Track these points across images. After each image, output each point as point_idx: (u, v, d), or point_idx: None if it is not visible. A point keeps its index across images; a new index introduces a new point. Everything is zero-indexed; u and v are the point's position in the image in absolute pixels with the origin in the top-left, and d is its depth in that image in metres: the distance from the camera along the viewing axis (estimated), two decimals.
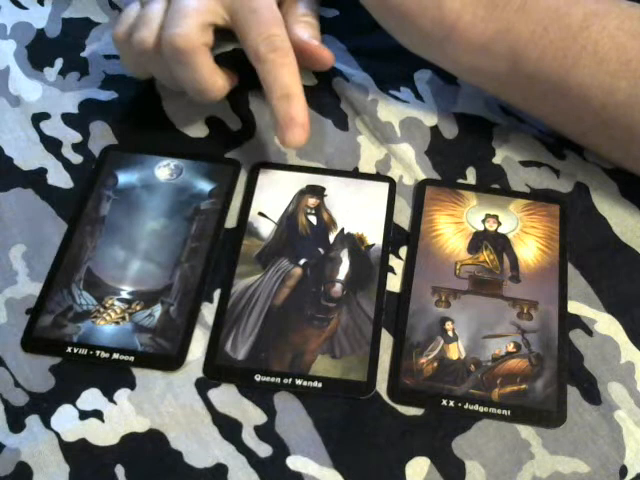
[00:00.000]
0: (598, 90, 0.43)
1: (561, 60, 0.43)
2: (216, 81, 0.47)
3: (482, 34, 0.45)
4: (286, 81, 0.46)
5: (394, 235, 0.47)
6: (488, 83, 0.48)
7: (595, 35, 0.43)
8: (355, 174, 0.50)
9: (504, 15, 0.44)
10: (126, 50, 0.49)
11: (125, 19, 0.49)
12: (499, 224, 0.47)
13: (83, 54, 0.56)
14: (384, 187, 0.49)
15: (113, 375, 0.42)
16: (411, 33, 0.48)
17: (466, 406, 0.41)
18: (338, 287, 0.45)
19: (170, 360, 0.42)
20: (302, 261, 0.46)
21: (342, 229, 0.47)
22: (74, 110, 0.53)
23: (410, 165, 0.50)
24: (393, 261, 0.46)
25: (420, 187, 0.49)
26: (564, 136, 0.49)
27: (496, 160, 0.50)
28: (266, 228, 0.47)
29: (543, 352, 0.42)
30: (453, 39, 0.46)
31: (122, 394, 0.41)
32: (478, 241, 0.46)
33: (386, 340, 0.43)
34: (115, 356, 0.42)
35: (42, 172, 0.50)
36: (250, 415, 0.41)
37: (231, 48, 0.50)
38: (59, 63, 0.56)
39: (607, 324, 0.44)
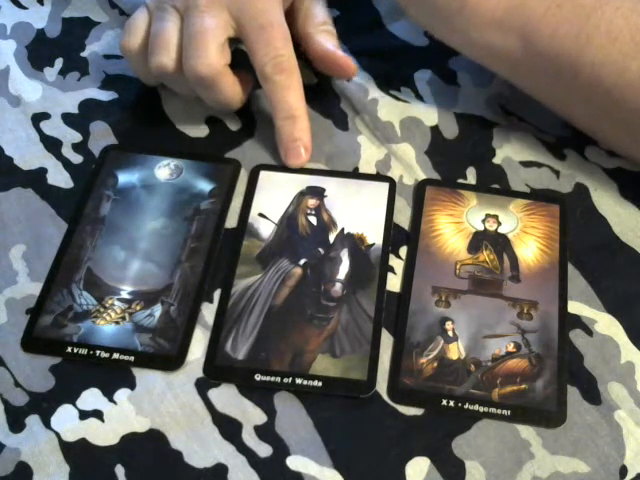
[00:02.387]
0: (610, 69, 0.43)
1: (574, 38, 0.43)
2: (237, 93, 0.49)
3: (494, 9, 0.45)
4: (291, 103, 0.48)
5: (394, 235, 0.47)
6: (498, 62, 0.48)
7: (609, 15, 0.43)
8: (355, 174, 0.50)
9: None
10: (139, 63, 0.50)
11: (134, 29, 0.49)
12: (499, 224, 0.47)
13: (83, 54, 0.56)
14: (384, 187, 0.49)
15: (113, 375, 0.42)
16: (422, 5, 0.47)
17: (466, 406, 0.41)
18: (338, 287, 0.45)
19: (170, 360, 0.42)
20: (302, 261, 0.46)
21: (342, 229, 0.47)
22: (74, 110, 0.53)
23: (410, 165, 0.50)
24: (393, 261, 0.46)
25: (420, 187, 0.49)
26: (570, 123, 0.49)
27: (496, 160, 0.50)
28: (266, 229, 0.47)
29: (543, 352, 0.42)
30: (464, 13, 0.45)
31: (122, 394, 0.41)
32: (478, 241, 0.46)
33: (386, 340, 0.43)
34: (115, 356, 0.42)
35: (42, 172, 0.50)
36: (250, 415, 0.41)
37: (232, 48, 0.50)
38: (59, 63, 0.56)
39: (607, 324, 0.44)
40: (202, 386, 0.42)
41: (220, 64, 0.47)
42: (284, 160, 0.49)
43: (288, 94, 0.48)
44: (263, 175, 0.50)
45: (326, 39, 0.51)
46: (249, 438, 0.40)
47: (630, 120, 0.45)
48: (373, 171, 0.50)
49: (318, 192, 0.49)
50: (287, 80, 0.48)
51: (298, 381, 0.41)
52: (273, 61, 0.47)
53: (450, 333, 0.43)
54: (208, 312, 0.44)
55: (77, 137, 0.52)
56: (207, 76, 0.47)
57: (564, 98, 0.47)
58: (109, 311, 0.44)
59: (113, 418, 0.41)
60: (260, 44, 0.47)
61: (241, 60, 0.49)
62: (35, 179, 0.50)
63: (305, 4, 0.52)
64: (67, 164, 0.51)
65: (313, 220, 0.47)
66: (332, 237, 0.47)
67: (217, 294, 0.45)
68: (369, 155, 0.51)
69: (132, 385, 0.42)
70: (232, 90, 0.49)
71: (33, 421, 0.41)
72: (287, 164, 0.49)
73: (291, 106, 0.48)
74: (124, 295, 0.44)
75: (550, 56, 0.44)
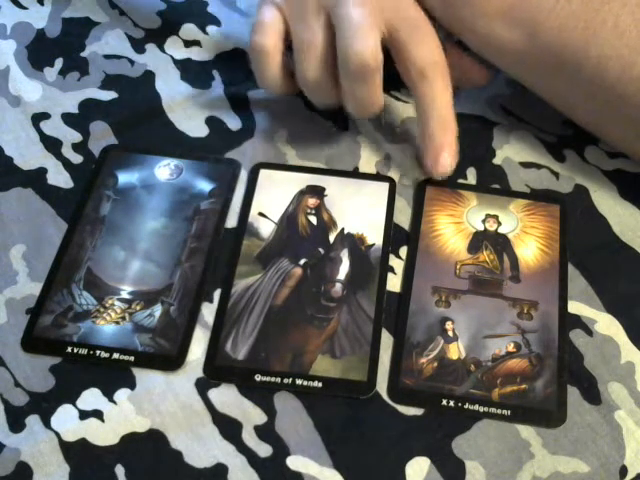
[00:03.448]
0: (615, 63, 0.43)
1: (581, 31, 0.43)
2: (382, 97, 0.47)
3: (502, 1, 0.45)
4: (447, 106, 0.46)
5: (394, 235, 0.47)
6: (503, 54, 0.47)
7: (617, 10, 0.43)
8: (355, 174, 0.50)
9: None
10: (272, 64, 0.47)
11: (269, 29, 0.46)
12: (499, 224, 0.47)
13: (83, 54, 0.56)
14: (384, 187, 0.49)
15: (113, 375, 0.42)
16: None
17: (466, 406, 0.41)
18: (338, 287, 0.45)
19: (170, 360, 0.42)
20: (302, 261, 0.46)
21: (342, 229, 0.47)
22: (74, 110, 0.53)
23: (410, 165, 0.50)
24: (393, 261, 0.46)
25: (420, 187, 0.49)
26: (573, 119, 0.49)
27: (496, 161, 0.50)
28: (266, 228, 0.47)
29: (543, 352, 0.42)
30: (471, 3, 0.45)
31: (122, 394, 0.41)
32: (478, 241, 0.46)
33: (386, 340, 0.43)
34: (115, 356, 0.42)
35: (42, 172, 0.50)
36: (250, 415, 0.41)
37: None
38: (59, 63, 0.56)
39: (607, 324, 0.44)
40: (202, 386, 0.42)
41: (380, 55, 0.44)
42: (431, 169, 0.47)
43: (446, 96, 0.46)
44: (263, 174, 0.50)
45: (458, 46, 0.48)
46: (249, 438, 0.40)
47: (634, 116, 0.45)
48: (373, 171, 0.50)
49: (318, 191, 0.49)
50: (445, 81, 0.46)
51: (298, 382, 0.41)
52: (432, 62, 0.45)
53: (450, 333, 0.43)
54: (208, 312, 0.44)
55: (77, 137, 0.52)
56: (372, 65, 0.44)
57: (568, 93, 0.47)
58: (109, 311, 0.44)
59: (113, 418, 0.41)
60: (418, 43, 0.45)
61: None
62: (35, 179, 0.50)
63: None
64: (67, 164, 0.51)
65: (313, 220, 0.47)
66: (332, 237, 0.47)
67: (217, 294, 0.45)
68: (369, 155, 0.51)
69: (132, 385, 0.42)
70: (381, 90, 0.46)
71: (33, 421, 0.41)
72: (435, 173, 0.47)
73: (448, 109, 0.46)
74: (124, 295, 0.44)
75: (556, 49, 0.44)
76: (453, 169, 0.48)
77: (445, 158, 0.47)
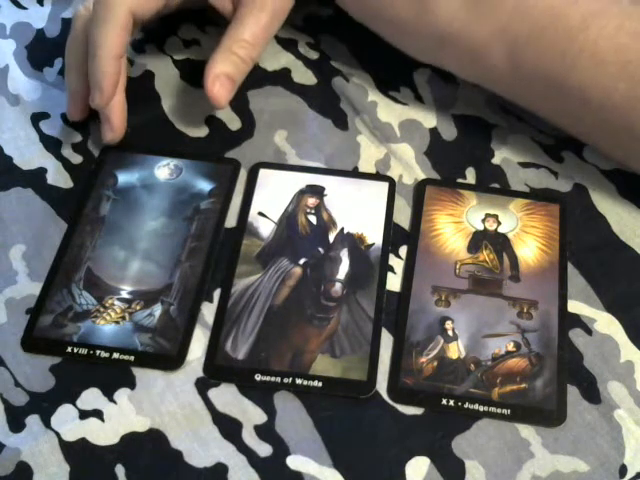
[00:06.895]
0: (597, 91, 0.43)
1: (560, 61, 0.43)
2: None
3: (477, 36, 0.45)
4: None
5: (394, 235, 0.47)
6: (488, 84, 0.48)
7: (594, 37, 0.42)
8: (355, 174, 0.50)
9: (498, 16, 0.44)
10: None
11: None
12: (499, 224, 0.47)
13: None
14: (384, 187, 0.49)
15: (113, 375, 0.42)
16: (405, 40, 0.49)
17: (466, 405, 0.41)
18: (338, 286, 0.45)
19: (170, 360, 0.42)
20: (302, 261, 0.46)
21: (342, 229, 0.47)
22: None
23: (410, 164, 0.50)
24: (393, 260, 0.46)
25: (420, 186, 0.49)
26: (566, 134, 0.49)
27: (495, 161, 0.50)
28: (266, 228, 0.47)
29: (543, 351, 0.42)
30: (448, 42, 0.46)
31: (122, 394, 0.41)
32: (478, 241, 0.47)
33: (386, 339, 0.43)
34: (115, 356, 0.42)
35: (42, 172, 0.50)
36: (250, 415, 0.41)
37: None
38: (59, 63, 0.56)
39: (607, 323, 0.44)
40: (202, 386, 0.42)
41: None
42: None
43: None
44: (262, 173, 0.50)
45: (223, 62, 0.48)
46: (249, 438, 0.40)
47: (621, 137, 0.45)
48: (373, 171, 0.50)
49: (318, 191, 0.49)
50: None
51: (298, 381, 0.41)
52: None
53: (450, 332, 0.43)
54: (208, 312, 0.44)
55: (77, 137, 0.52)
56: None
57: (555, 116, 0.48)
58: (109, 311, 0.44)
59: (113, 418, 0.41)
60: None
61: None
62: (35, 179, 0.50)
63: (241, 11, 0.49)
64: (67, 164, 0.51)
65: (313, 219, 0.48)
66: (332, 237, 0.47)
67: (217, 294, 0.45)
68: (369, 155, 0.51)
69: (132, 385, 0.42)
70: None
71: (33, 421, 0.41)
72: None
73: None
74: (124, 295, 0.44)
75: (537, 78, 0.45)
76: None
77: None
